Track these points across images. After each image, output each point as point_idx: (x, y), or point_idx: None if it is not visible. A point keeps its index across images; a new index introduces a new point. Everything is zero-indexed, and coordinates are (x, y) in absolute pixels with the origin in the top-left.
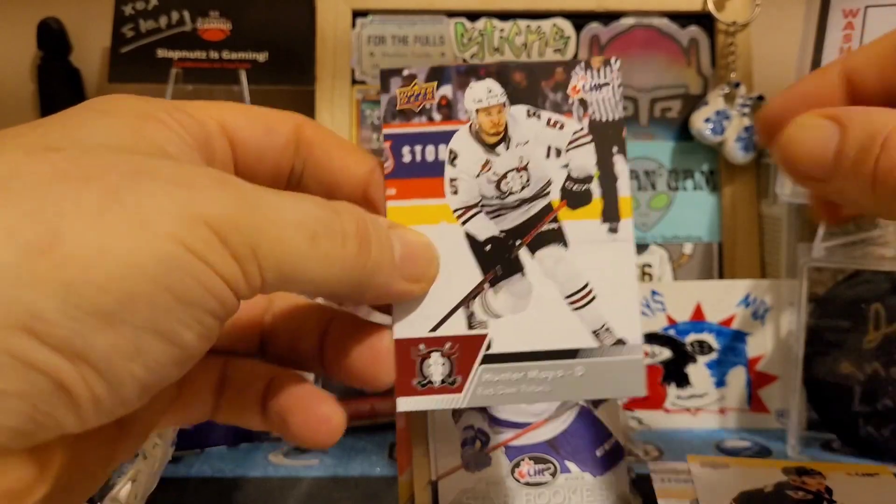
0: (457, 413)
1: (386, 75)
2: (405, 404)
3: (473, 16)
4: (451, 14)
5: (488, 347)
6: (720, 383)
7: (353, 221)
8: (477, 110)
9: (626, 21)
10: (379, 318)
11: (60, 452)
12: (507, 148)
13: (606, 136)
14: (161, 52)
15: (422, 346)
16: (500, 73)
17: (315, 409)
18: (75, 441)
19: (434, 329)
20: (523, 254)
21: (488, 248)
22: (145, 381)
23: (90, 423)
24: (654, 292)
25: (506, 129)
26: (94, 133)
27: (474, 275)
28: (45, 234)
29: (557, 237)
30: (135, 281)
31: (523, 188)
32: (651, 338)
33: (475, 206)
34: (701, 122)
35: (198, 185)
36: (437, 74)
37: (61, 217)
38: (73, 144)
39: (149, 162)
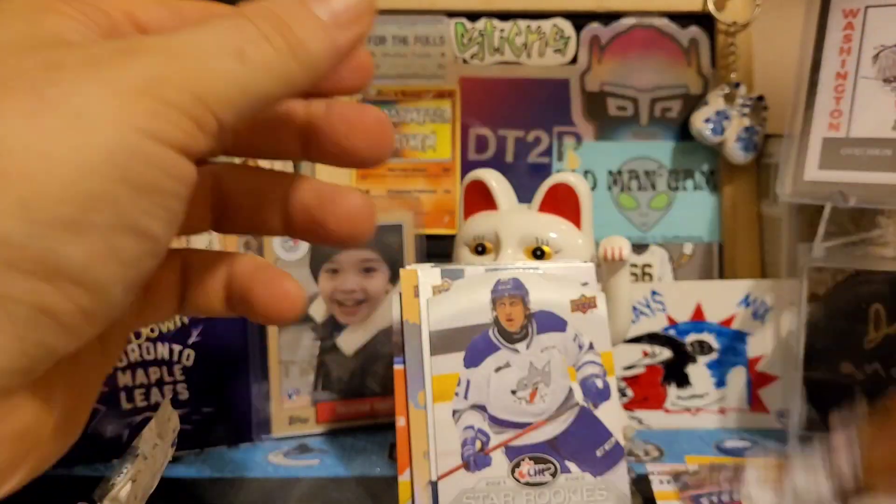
0: (457, 413)
1: None
2: None
3: (473, 16)
4: (451, 14)
5: None
6: (720, 383)
7: (264, 18)
8: None
9: (627, 21)
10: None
11: (58, 379)
12: None
13: None
14: None
15: None
16: None
17: (277, 285)
18: (69, 364)
19: None
20: None
21: None
22: (127, 280)
23: (83, 337)
24: (654, 292)
25: None
26: None
27: None
28: None
29: None
30: (90, 181)
31: None
32: (651, 338)
33: None
34: (701, 123)
35: (112, 60)
36: None
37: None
38: None
39: (56, 52)
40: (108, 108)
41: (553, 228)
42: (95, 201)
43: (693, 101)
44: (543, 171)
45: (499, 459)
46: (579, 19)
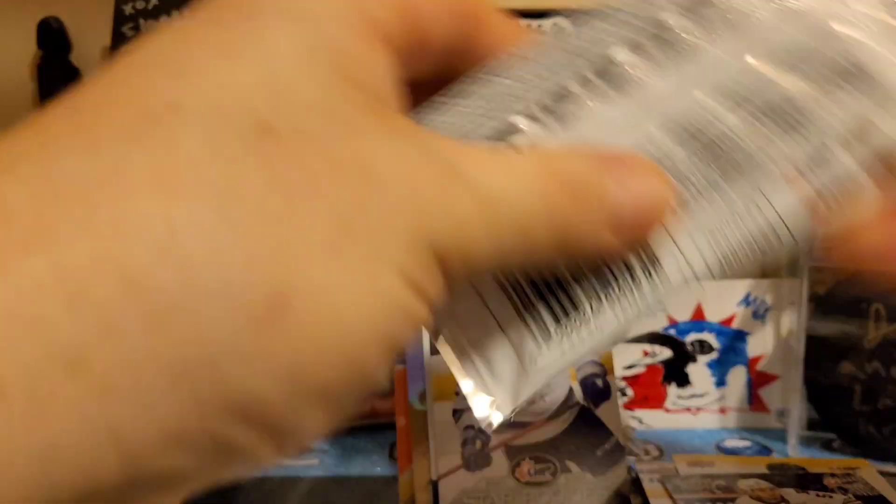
0: (457, 413)
1: None
2: None
3: None
4: None
5: None
6: (720, 383)
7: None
8: None
9: None
10: None
11: None
12: None
13: None
14: None
15: None
16: None
17: None
18: None
19: None
20: None
21: None
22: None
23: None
24: None
25: None
26: (288, 73)
27: None
28: (272, 296)
29: None
30: (363, 345)
31: None
32: (651, 338)
33: None
34: None
35: (424, 190)
36: None
37: (289, 265)
38: (278, 110)
39: (374, 154)
40: (399, 256)
41: None
42: (362, 373)
43: None
44: None
45: (499, 459)
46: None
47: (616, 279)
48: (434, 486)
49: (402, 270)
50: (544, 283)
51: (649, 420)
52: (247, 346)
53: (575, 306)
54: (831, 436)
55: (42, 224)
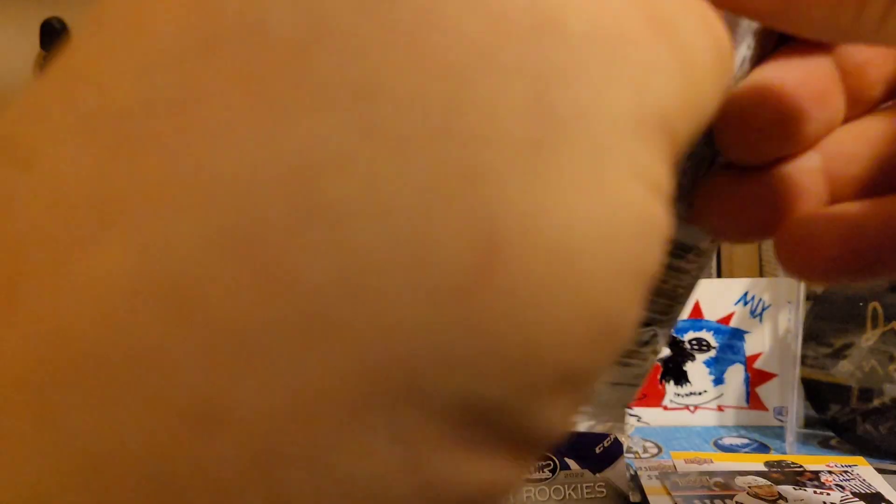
0: None
1: None
2: None
3: None
4: None
5: None
6: (718, 381)
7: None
8: None
9: None
10: None
11: None
12: None
13: None
14: None
15: None
16: None
17: None
18: None
19: None
20: None
21: None
22: None
23: None
24: None
25: None
26: None
27: None
28: (473, 246)
29: None
30: (612, 300)
31: None
32: None
33: None
34: None
35: (640, 60)
36: None
37: (478, 184)
38: None
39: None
40: (624, 146)
41: None
42: (613, 331)
43: None
44: None
45: None
46: None
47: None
48: None
49: (634, 162)
50: None
51: (648, 418)
52: (452, 333)
53: None
54: (829, 433)
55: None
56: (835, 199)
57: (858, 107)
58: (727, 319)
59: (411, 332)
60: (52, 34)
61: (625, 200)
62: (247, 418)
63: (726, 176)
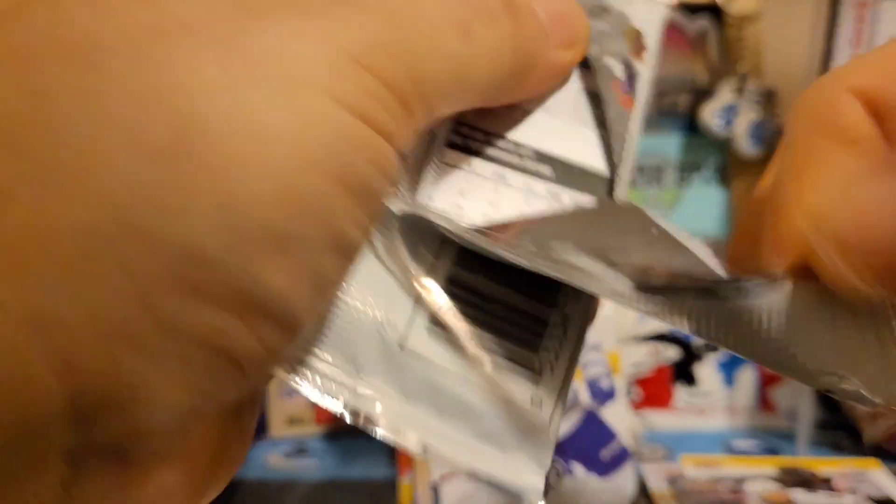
0: None
1: None
2: None
3: None
4: None
5: None
6: (729, 382)
7: None
8: None
9: None
10: None
11: (206, 435)
12: None
13: None
14: None
15: None
16: None
17: None
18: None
19: None
20: None
21: None
22: (316, 312)
23: (255, 386)
24: None
25: None
26: None
27: None
28: (177, 124)
29: None
30: (307, 178)
31: None
32: (659, 337)
33: None
34: (709, 116)
35: (323, 8)
36: None
37: (186, 93)
38: None
39: None
40: (323, 77)
41: None
42: (310, 206)
43: (700, 94)
44: None
45: None
46: None
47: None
48: (436, 488)
49: (327, 89)
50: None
51: (656, 421)
52: (160, 187)
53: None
54: (841, 436)
55: None
56: None
57: None
58: None
59: (130, 185)
60: None
61: (313, 110)
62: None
63: None
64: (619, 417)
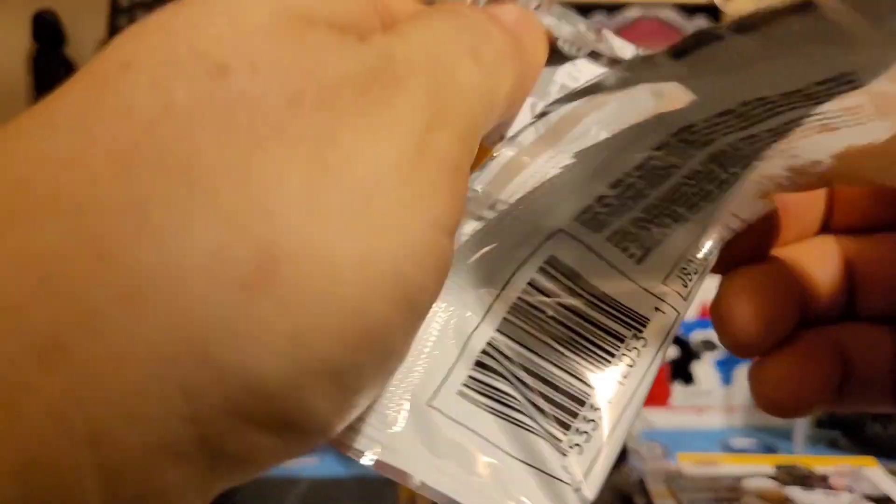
0: None
1: None
2: None
3: None
4: None
5: None
6: (726, 381)
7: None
8: None
9: (631, 13)
10: None
11: None
12: None
13: None
14: None
15: None
16: None
17: None
18: None
19: None
20: None
21: None
22: (349, 420)
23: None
24: None
25: None
26: None
27: None
28: (259, 256)
29: None
30: (374, 310)
31: None
32: None
33: None
34: None
35: (373, 92)
36: None
37: (268, 221)
38: (235, 48)
39: (325, 72)
40: (395, 183)
41: None
42: (371, 335)
43: None
44: None
45: None
46: (583, 10)
47: (599, 344)
48: None
49: (402, 199)
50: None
51: (654, 419)
52: (238, 319)
53: (576, 399)
54: (838, 434)
55: (8, 208)
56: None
57: None
58: None
59: (210, 316)
60: (44, 27)
61: (386, 224)
62: (78, 358)
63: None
64: None
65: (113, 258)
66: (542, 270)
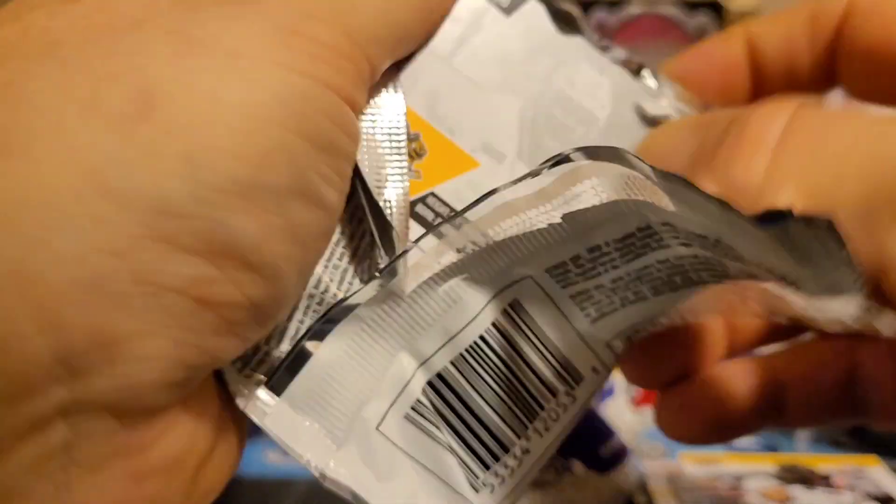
0: None
1: None
2: None
3: None
4: None
5: None
6: None
7: None
8: None
9: (633, 9)
10: None
11: (211, 392)
12: None
13: None
14: None
15: None
16: None
17: None
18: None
19: None
20: None
21: None
22: (302, 264)
23: (249, 340)
24: None
25: None
26: None
27: None
28: (133, 95)
29: None
30: (266, 131)
31: None
32: None
33: None
34: None
35: None
36: None
37: (139, 71)
38: None
39: None
40: (265, 48)
41: None
42: (272, 157)
43: None
44: None
45: None
46: (585, 6)
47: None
48: None
49: (273, 59)
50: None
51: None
52: (125, 148)
53: (502, 446)
54: (840, 433)
55: None
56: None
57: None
58: None
59: (93, 148)
60: None
61: (263, 76)
62: None
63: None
64: (619, 414)
65: None
66: (504, 312)
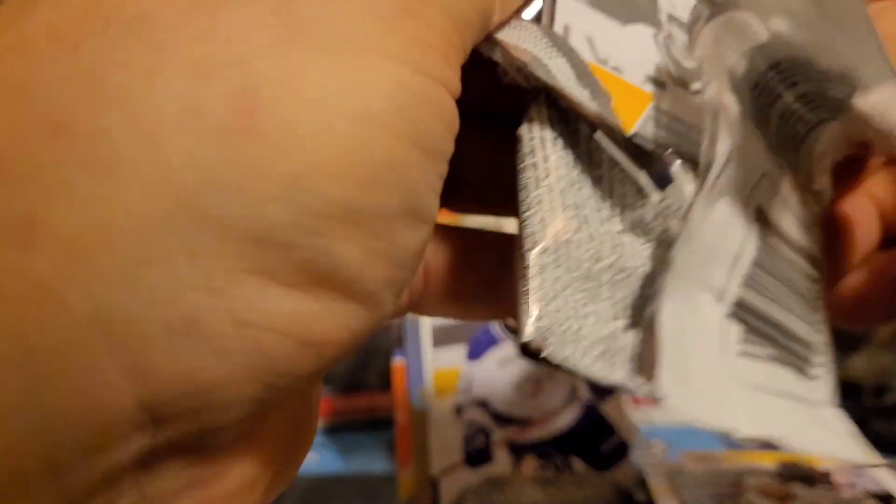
0: (459, 408)
1: None
2: None
3: None
4: None
5: None
6: None
7: None
8: None
9: None
10: None
11: (280, 419)
12: None
13: None
14: None
15: None
16: None
17: None
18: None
19: None
20: None
21: None
22: (397, 287)
23: (332, 367)
24: None
25: None
26: None
27: None
28: (235, 97)
29: None
30: (377, 143)
31: None
32: None
33: None
34: None
35: None
36: None
37: (241, 64)
38: None
39: None
40: (374, 34)
41: None
42: (383, 175)
43: None
44: None
45: (501, 456)
46: None
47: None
48: (435, 482)
49: (387, 48)
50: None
51: (656, 415)
52: (225, 167)
53: None
54: None
55: None
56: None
57: None
58: None
59: (192, 167)
60: None
61: (370, 67)
62: (60, 234)
63: None
64: (620, 412)
65: (68, 129)
66: (756, 220)
